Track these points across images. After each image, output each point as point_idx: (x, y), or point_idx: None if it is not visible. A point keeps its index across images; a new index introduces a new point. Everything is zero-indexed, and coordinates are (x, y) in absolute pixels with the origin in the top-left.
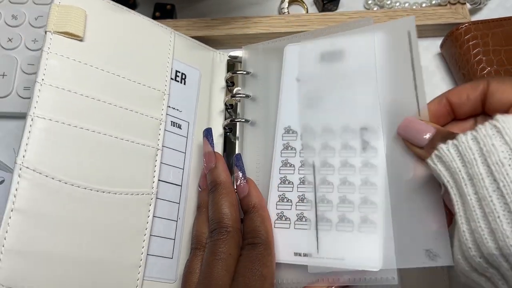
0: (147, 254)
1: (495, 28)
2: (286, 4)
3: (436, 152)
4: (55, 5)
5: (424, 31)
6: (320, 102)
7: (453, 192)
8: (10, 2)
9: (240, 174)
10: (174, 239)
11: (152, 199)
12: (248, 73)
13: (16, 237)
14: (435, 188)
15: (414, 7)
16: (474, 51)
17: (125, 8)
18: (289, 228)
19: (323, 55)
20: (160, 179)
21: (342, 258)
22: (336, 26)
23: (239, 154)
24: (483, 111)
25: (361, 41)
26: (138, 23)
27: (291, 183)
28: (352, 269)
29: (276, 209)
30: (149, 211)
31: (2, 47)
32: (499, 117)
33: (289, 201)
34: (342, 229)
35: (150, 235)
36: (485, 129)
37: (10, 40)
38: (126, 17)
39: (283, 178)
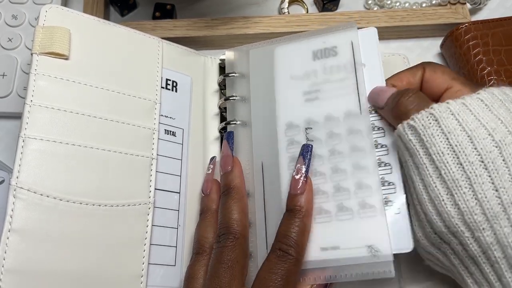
0: (149, 263)
1: (495, 28)
2: (286, 4)
3: (398, 137)
4: (39, 27)
5: (424, 31)
6: (318, 95)
7: (408, 176)
8: (10, 2)
9: (304, 169)
10: (176, 247)
11: (149, 208)
12: (235, 74)
13: (15, 257)
14: None
15: (414, 7)
16: (474, 51)
17: (109, 22)
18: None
19: (315, 53)
20: (157, 187)
21: (363, 246)
22: (317, 30)
23: (311, 145)
24: None
25: (346, 38)
26: (124, 36)
27: None
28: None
29: None
30: (147, 220)
31: (2, 47)
32: (435, 106)
33: None
34: (364, 215)
35: (151, 244)
36: (422, 118)
37: (10, 40)
38: (111, 31)
39: None
